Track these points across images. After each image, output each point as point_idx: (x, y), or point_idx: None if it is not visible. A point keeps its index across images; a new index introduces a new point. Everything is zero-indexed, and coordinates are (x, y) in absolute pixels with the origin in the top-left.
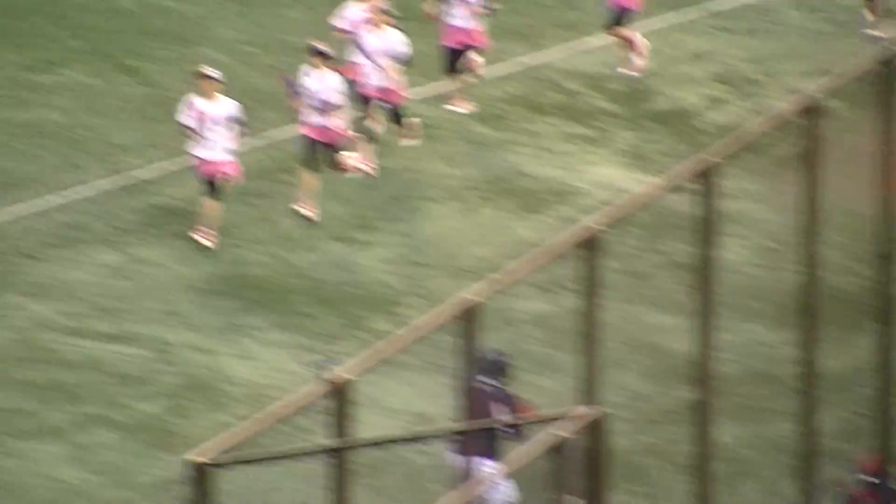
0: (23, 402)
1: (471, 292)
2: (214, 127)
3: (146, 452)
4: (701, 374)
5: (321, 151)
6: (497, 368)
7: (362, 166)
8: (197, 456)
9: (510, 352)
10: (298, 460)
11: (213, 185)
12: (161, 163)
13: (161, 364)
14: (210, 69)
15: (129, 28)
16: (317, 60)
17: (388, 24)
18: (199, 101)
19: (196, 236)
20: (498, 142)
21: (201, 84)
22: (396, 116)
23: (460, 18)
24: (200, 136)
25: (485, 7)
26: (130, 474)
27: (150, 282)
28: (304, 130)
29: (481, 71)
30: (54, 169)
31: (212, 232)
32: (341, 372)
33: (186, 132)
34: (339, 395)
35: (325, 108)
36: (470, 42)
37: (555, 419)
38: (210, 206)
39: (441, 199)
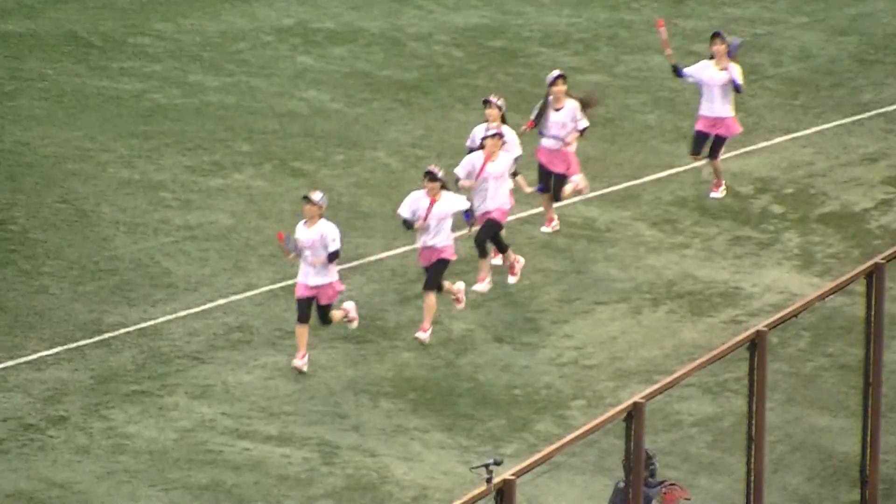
0: (185, 503)
1: (637, 395)
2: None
3: None
4: (867, 477)
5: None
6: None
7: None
8: None
9: (676, 454)
10: None
11: (307, 309)
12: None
13: (325, 466)
14: (316, 194)
15: (297, 131)
16: (433, 186)
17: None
18: (299, 228)
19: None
20: (667, 245)
21: (305, 208)
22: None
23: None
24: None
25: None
26: None
27: (315, 383)
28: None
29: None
30: (221, 271)
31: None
32: (506, 474)
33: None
34: (504, 497)
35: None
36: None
37: None
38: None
39: (609, 302)
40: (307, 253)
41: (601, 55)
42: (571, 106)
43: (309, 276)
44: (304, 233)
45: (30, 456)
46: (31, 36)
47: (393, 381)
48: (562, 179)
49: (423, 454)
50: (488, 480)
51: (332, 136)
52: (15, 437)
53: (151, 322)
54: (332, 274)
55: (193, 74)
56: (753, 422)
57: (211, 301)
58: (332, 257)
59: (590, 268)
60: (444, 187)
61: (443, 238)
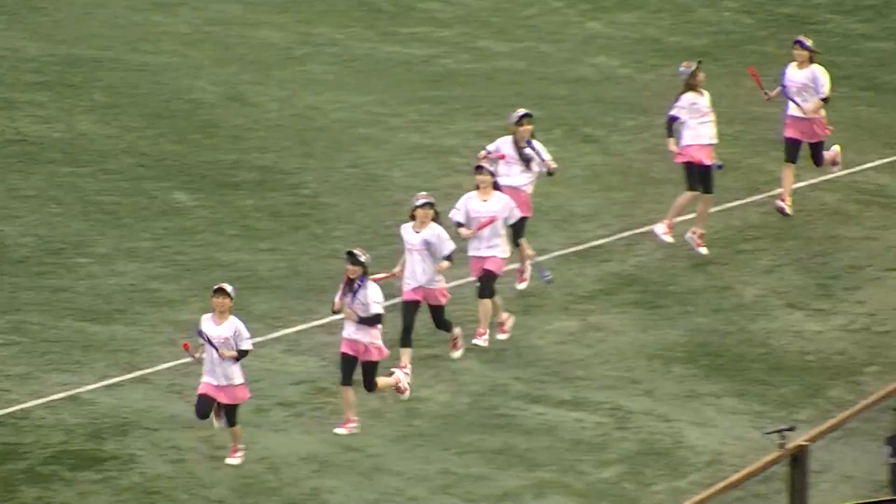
0: (479, 467)
1: None
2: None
3: None
4: None
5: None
6: None
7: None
8: None
9: None
10: None
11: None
12: (618, 231)
13: (618, 430)
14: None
15: (587, 97)
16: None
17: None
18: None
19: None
20: None
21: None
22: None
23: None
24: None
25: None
26: None
27: (608, 348)
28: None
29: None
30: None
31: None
32: (800, 440)
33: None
34: (798, 463)
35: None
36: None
37: None
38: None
39: None
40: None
41: (890, 22)
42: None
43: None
44: (214, 328)
45: (323, 419)
46: (323, 2)
47: (685, 346)
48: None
49: (716, 419)
50: (781, 446)
51: (622, 103)
52: (308, 400)
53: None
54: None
55: (483, 40)
56: None
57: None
58: (242, 355)
59: (882, 234)
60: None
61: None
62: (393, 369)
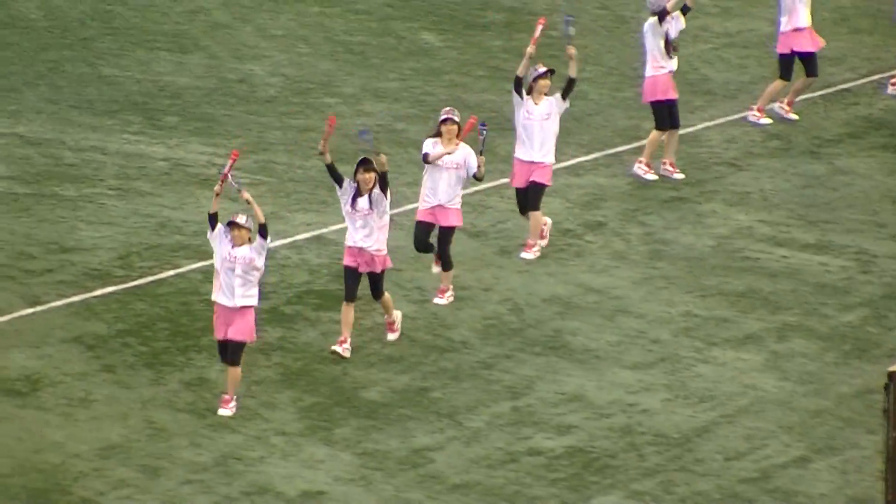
0: (722, 310)
1: None
2: None
3: (845, 362)
4: None
5: None
6: None
7: None
8: None
9: None
10: None
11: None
12: (867, 74)
13: (862, 274)
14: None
15: None
16: None
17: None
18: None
19: None
20: None
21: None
22: None
23: None
24: None
25: None
26: (828, 383)
27: (853, 192)
28: None
29: None
30: (761, 79)
31: None
32: None
33: None
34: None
35: None
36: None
37: None
38: None
39: None
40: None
41: None
42: None
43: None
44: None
45: (567, 261)
46: None
47: None
48: None
49: None
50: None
51: None
52: (552, 241)
53: (690, 129)
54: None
55: None
56: None
57: (749, 109)
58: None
59: None
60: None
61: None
62: (396, 311)
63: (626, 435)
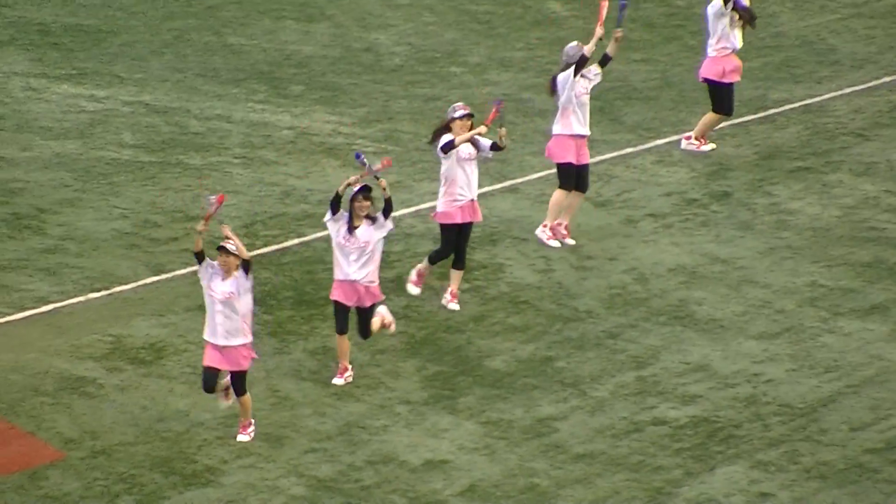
0: (847, 279)
1: None
2: None
3: None
4: None
5: None
6: None
7: None
8: None
9: None
10: None
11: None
12: None
13: None
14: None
15: None
16: None
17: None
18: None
19: None
20: None
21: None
22: None
23: None
24: None
25: None
26: None
27: None
28: None
29: None
30: (888, 49)
31: None
32: None
33: None
34: None
35: None
36: None
37: None
38: None
39: None
40: None
41: None
42: None
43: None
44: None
45: (693, 231)
46: None
47: None
48: None
49: None
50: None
51: None
52: (678, 211)
53: (816, 98)
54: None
55: None
56: None
57: (876, 79)
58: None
59: None
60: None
61: None
62: (381, 307)
63: (751, 405)
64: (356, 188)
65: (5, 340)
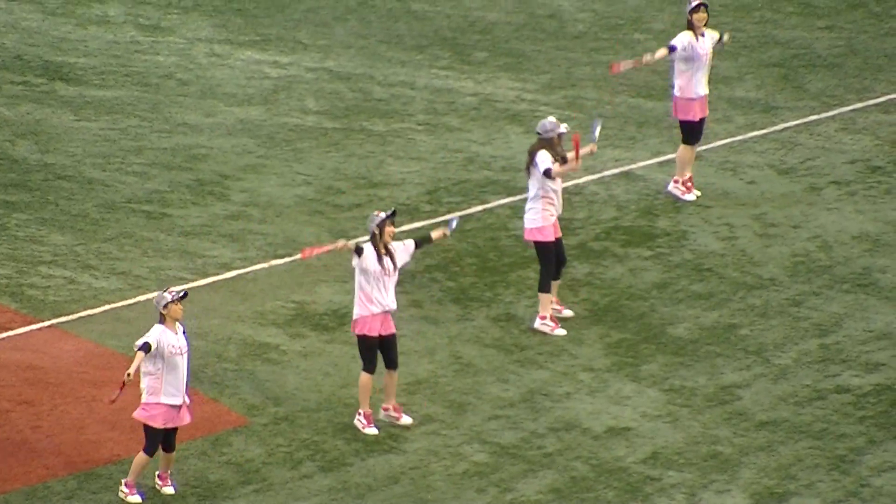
0: None
1: None
2: None
3: None
4: None
5: None
6: None
7: None
8: None
9: None
10: None
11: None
12: None
13: None
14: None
15: None
16: None
17: None
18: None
19: None
20: None
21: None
22: None
23: None
24: None
25: None
26: None
27: None
28: None
29: None
30: None
31: None
32: None
33: None
34: None
35: None
36: None
37: None
38: None
39: None
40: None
41: None
42: None
43: None
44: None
45: (877, 199)
46: None
47: None
48: None
49: None
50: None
51: None
52: (863, 179)
53: None
54: None
55: None
56: None
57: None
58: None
59: None
60: None
61: None
62: None
63: None
64: (385, 214)
65: (189, 307)
